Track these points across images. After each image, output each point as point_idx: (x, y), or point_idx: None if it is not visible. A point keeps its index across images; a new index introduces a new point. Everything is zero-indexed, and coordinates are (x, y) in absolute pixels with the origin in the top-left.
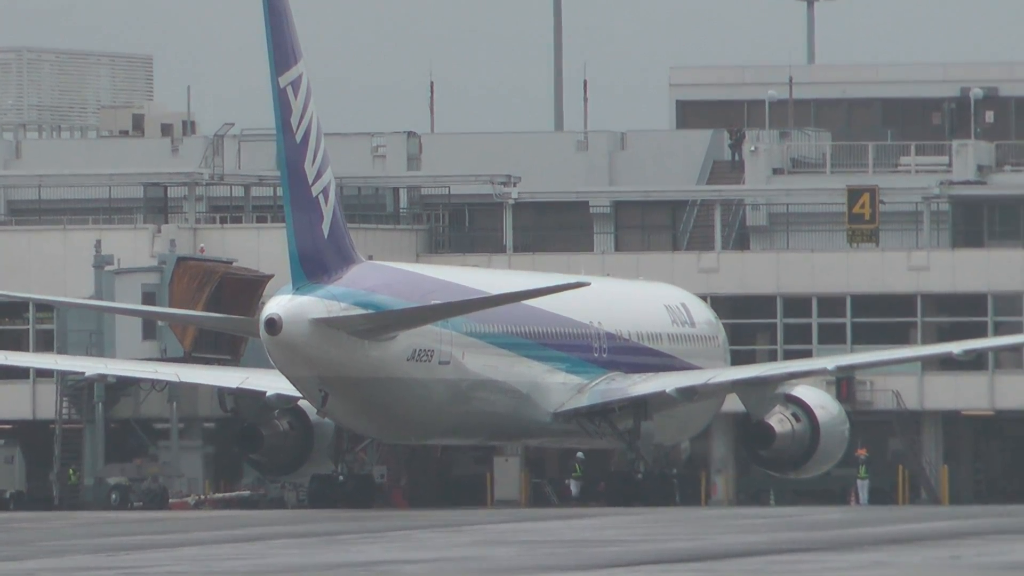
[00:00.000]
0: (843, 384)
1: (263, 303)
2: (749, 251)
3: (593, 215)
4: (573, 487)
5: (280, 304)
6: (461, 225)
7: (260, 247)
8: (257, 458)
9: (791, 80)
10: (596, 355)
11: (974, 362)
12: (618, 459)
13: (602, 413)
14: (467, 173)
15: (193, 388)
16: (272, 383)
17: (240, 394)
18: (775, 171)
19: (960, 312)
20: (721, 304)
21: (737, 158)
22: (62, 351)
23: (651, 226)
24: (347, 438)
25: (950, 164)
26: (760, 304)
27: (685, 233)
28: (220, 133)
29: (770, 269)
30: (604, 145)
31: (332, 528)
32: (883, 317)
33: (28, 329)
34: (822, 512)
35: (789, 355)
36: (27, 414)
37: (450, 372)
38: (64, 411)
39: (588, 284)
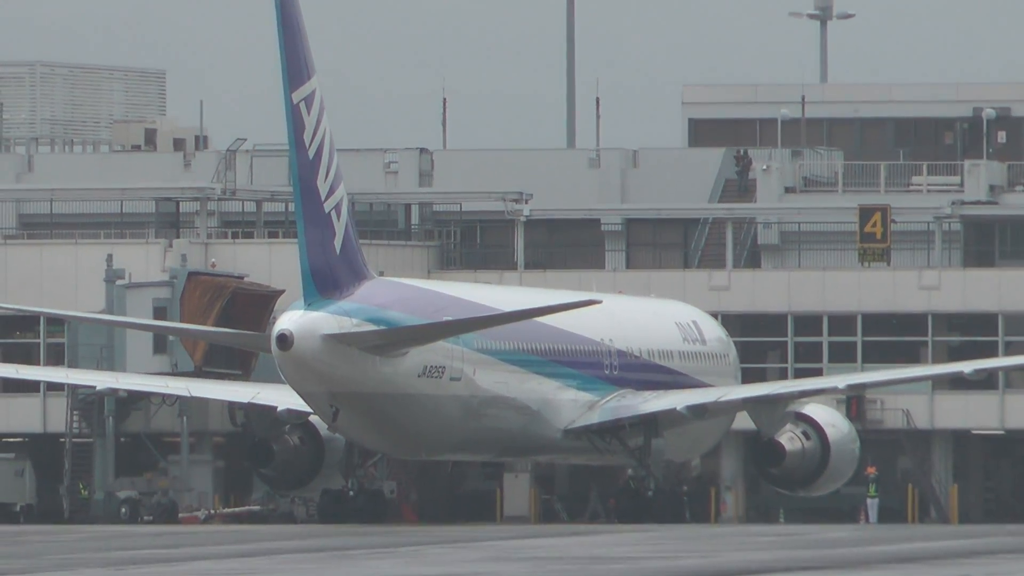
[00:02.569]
0: (853, 402)
1: (274, 318)
2: (760, 269)
3: (605, 232)
4: None
5: (292, 320)
6: (473, 242)
7: (271, 262)
8: (268, 473)
9: (803, 99)
10: (607, 372)
11: (984, 381)
12: (628, 476)
13: (613, 430)
14: (479, 190)
15: (204, 403)
16: (283, 398)
17: (251, 409)
18: (787, 190)
19: (971, 331)
20: (732, 322)
21: (744, 185)
22: (73, 365)
23: (663, 244)
24: (358, 453)
25: (962, 184)
26: (771, 322)
27: (697, 251)
28: (232, 148)
29: (781, 287)
30: (616, 162)
31: (342, 543)
32: (894, 336)
33: (39, 343)
34: (832, 530)
35: (800, 373)
36: (38, 427)
37: (461, 388)
38: (75, 425)
39: (600, 302)
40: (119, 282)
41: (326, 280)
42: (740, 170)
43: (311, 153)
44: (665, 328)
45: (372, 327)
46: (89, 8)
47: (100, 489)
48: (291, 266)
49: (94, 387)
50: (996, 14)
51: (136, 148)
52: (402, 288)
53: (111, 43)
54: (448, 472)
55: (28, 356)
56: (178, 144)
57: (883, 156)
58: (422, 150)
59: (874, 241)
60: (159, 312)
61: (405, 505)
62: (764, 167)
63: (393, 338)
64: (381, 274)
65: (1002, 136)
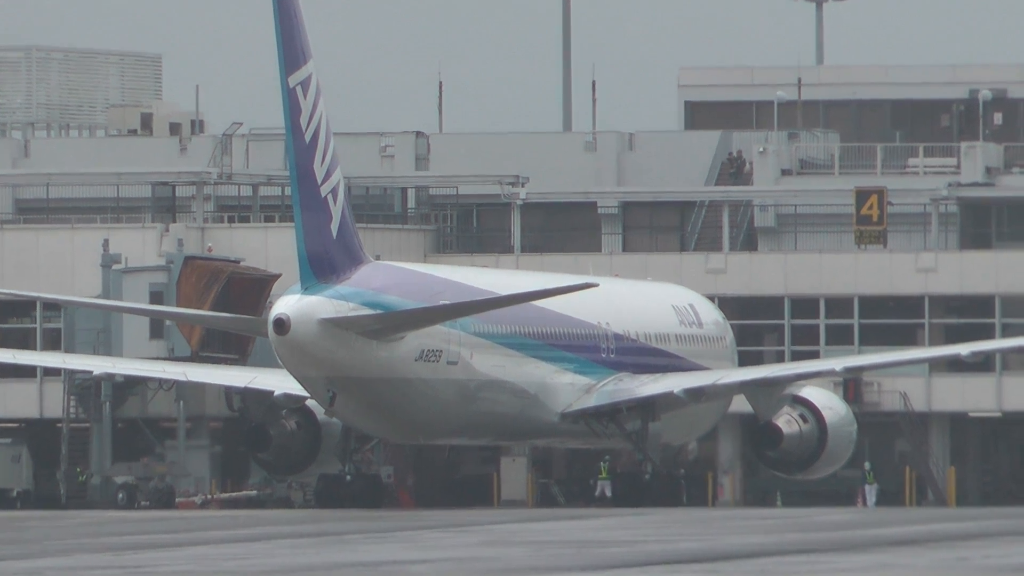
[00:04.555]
0: (851, 385)
1: (270, 302)
2: (757, 252)
3: (601, 216)
4: (599, 487)
5: (288, 304)
6: (469, 225)
7: (268, 246)
8: (264, 457)
9: (800, 81)
10: (604, 356)
11: (981, 364)
12: (625, 460)
13: (610, 414)
14: (475, 173)
15: (200, 387)
16: (280, 383)
17: (247, 394)
18: (783, 172)
19: (968, 314)
20: (729, 305)
21: (739, 177)
22: (69, 350)
23: (659, 227)
24: (354, 438)
25: (958, 166)
26: (768, 305)
27: (693, 234)
28: (229, 132)
29: (778, 270)
30: (612, 146)
31: (339, 528)
32: (891, 318)
33: (35, 328)
34: (829, 513)
35: (797, 356)
36: (34, 413)
37: (458, 372)
38: (71, 410)
39: (596, 285)
40: (115, 267)
41: (323, 264)
42: (734, 171)
43: (307, 137)
44: (662, 311)
45: (369, 311)
46: None
47: (97, 474)
48: (287, 250)
49: (91, 372)
50: None
51: (132, 132)
52: (399, 272)
53: (107, 27)
54: (445, 456)
55: (24, 341)
56: (174, 128)
57: (879, 138)
58: (418, 134)
59: (871, 223)
60: (155, 297)
61: (402, 490)
62: (760, 149)
63: (390, 322)
64: (377, 258)
65: (998, 118)
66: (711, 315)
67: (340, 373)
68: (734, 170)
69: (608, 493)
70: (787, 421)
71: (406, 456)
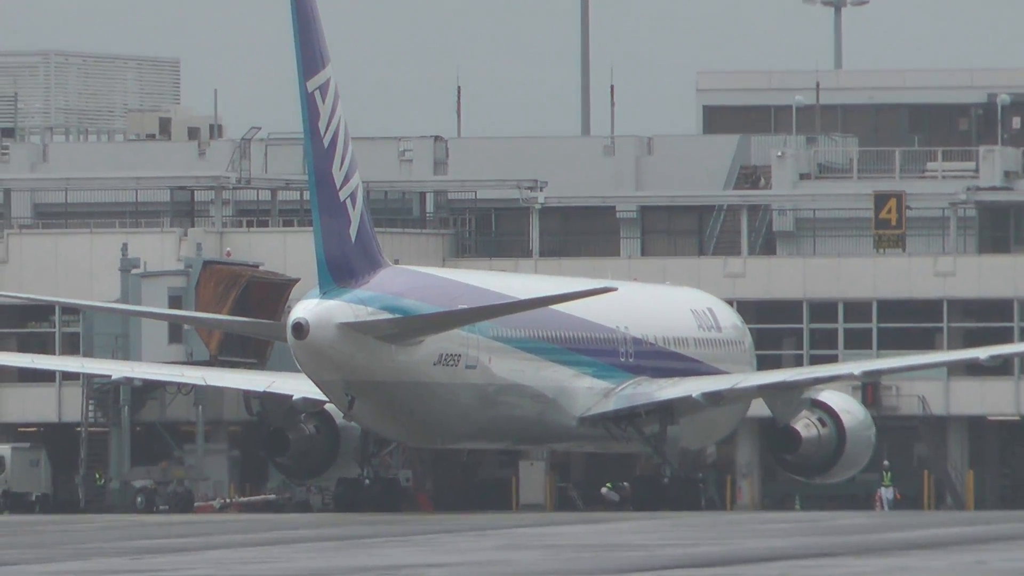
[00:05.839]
0: (869, 389)
1: (289, 307)
2: (775, 256)
3: (620, 220)
4: (607, 494)
5: (307, 308)
6: (488, 229)
7: (286, 251)
8: (283, 461)
9: (818, 85)
10: (623, 359)
11: (1000, 367)
12: (644, 463)
13: (628, 417)
14: (494, 177)
15: (219, 392)
16: (298, 387)
17: (266, 398)
18: (802, 176)
19: (986, 317)
20: (747, 309)
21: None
22: (88, 354)
23: (677, 231)
24: (373, 442)
25: (977, 170)
26: (786, 309)
27: (712, 238)
28: (247, 137)
29: (796, 274)
30: (631, 150)
31: (358, 532)
32: (909, 322)
33: (54, 332)
34: (847, 517)
35: (815, 360)
36: (53, 417)
37: (477, 376)
38: (90, 414)
39: (615, 289)
40: (134, 271)
41: (341, 268)
42: (749, 186)
43: (326, 141)
44: (680, 315)
45: (387, 315)
46: None
47: (116, 478)
48: (306, 255)
49: (109, 376)
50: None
51: (151, 137)
52: (417, 276)
53: (125, 32)
54: (464, 460)
55: (43, 346)
56: (193, 133)
57: (898, 142)
58: (437, 138)
59: (889, 227)
60: (174, 301)
61: (420, 493)
62: (779, 154)
63: (408, 326)
64: (396, 262)
65: (1017, 122)
66: (730, 319)
67: (359, 377)
68: (749, 184)
69: (607, 498)
70: (805, 425)
71: (425, 460)
